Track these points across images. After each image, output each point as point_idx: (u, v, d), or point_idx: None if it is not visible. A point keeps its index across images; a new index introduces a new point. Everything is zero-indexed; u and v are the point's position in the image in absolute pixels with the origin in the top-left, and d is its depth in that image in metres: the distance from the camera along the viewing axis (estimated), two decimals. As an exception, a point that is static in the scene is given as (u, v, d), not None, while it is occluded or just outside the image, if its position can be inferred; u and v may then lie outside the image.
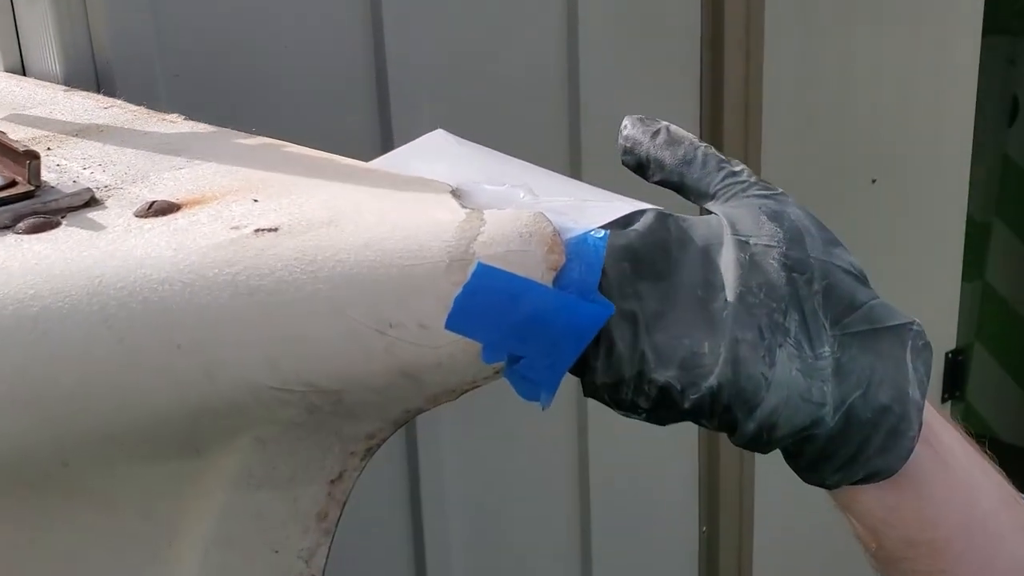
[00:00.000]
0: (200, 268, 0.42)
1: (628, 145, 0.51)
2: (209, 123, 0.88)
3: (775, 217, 0.47)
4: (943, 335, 1.47)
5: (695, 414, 0.44)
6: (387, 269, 0.42)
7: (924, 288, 1.38)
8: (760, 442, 0.45)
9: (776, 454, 0.47)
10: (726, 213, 0.48)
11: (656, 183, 0.51)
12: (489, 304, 0.41)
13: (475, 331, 0.41)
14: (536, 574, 1.18)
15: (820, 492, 0.48)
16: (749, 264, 0.45)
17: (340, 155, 0.54)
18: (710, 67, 1.16)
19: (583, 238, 0.43)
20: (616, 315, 0.43)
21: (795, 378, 0.44)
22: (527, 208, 0.45)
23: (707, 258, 0.46)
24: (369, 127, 0.92)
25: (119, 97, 0.79)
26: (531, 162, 0.52)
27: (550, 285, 0.42)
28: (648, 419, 0.46)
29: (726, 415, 0.44)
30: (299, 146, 0.56)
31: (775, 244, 0.46)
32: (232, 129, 0.62)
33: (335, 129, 0.90)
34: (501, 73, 0.98)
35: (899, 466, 0.46)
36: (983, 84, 1.39)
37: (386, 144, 0.92)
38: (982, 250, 2.01)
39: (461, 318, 0.41)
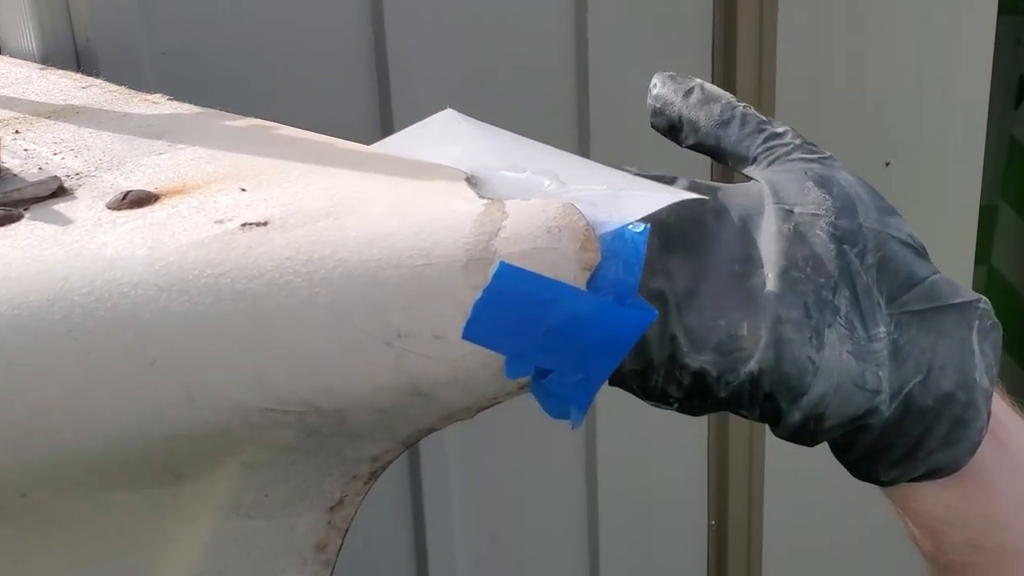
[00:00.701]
0: (179, 270, 0.35)
1: (658, 105, 0.45)
2: (198, 104, 0.82)
3: (823, 183, 0.41)
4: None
5: (733, 403, 0.39)
6: (396, 270, 0.35)
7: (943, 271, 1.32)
8: (806, 433, 0.40)
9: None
10: (768, 179, 0.43)
11: (690, 147, 0.45)
12: (513, 310, 0.35)
13: (497, 341, 0.35)
14: (543, 567, 1.12)
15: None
16: (793, 235, 0.40)
17: (339, 138, 0.48)
18: (722, 48, 1.10)
19: (620, 232, 0.37)
20: (643, 295, 0.37)
21: (846, 362, 0.38)
22: (554, 198, 0.39)
23: (745, 229, 0.41)
24: (368, 106, 0.86)
25: (100, 77, 0.73)
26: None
27: (584, 288, 0.36)
28: (681, 409, 0.40)
29: (768, 404, 0.39)
30: (293, 128, 0.50)
31: (823, 213, 0.40)
32: (220, 110, 0.55)
33: (332, 109, 0.84)
34: (505, 48, 0.92)
35: (964, 461, 0.40)
36: (990, 64, 1.33)
37: (386, 123, 0.85)
38: (988, 233, 1.95)
39: (481, 326, 0.35)
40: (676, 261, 0.39)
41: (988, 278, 2.02)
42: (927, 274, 0.41)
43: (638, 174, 0.43)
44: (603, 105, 0.97)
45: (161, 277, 0.35)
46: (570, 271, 0.36)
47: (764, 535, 1.19)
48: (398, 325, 0.35)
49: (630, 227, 0.37)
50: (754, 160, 0.44)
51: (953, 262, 1.38)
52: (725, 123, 0.44)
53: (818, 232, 0.40)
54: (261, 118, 0.83)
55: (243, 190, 0.41)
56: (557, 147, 0.44)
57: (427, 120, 0.49)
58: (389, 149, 0.47)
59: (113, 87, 0.62)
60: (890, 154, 1.28)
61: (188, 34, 0.78)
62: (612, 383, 0.40)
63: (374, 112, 0.86)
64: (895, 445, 0.40)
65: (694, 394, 0.39)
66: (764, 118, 0.44)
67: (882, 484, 0.42)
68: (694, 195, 0.40)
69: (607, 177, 0.41)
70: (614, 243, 0.37)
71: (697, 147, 0.45)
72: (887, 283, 0.40)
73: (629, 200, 0.38)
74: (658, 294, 0.39)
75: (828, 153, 0.44)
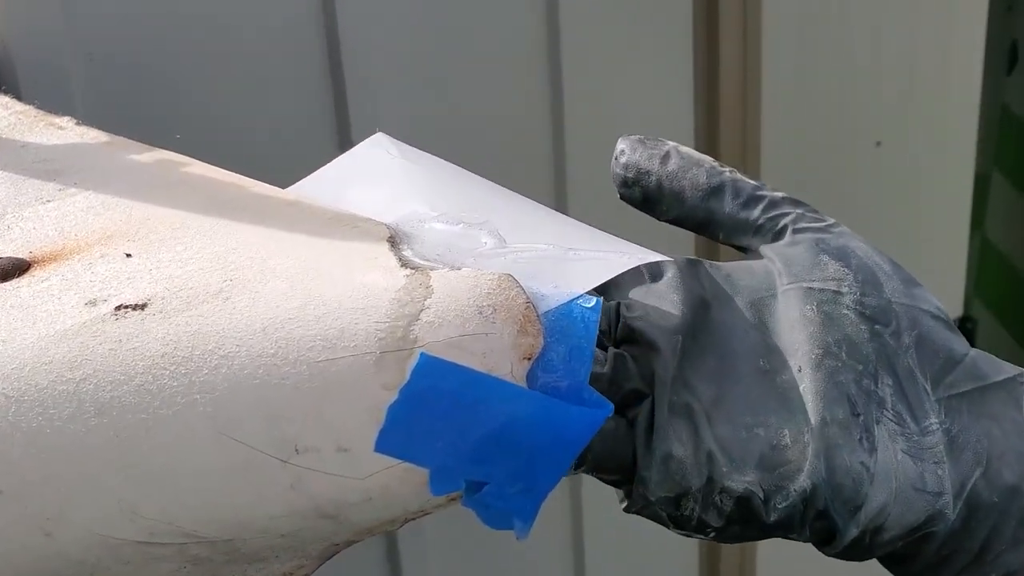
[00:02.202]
0: (31, 373, 0.29)
1: (630, 176, 0.38)
2: (131, 115, 0.74)
3: (839, 255, 0.36)
4: (952, 303, 1.35)
5: (782, 527, 0.33)
6: (292, 368, 0.28)
7: (933, 255, 1.25)
8: (861, 549, 0.34)
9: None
10: (777, 254, 0.36)
11: (670, 221, 0.38)
12: (437, 414, 0.28)
13: (418, 453, 0.28)
14: (528, 572, 1.07)
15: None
16: (819, 317, 0.34)
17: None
18: (704, 24, 1.02)
19: (567, 309, 0.30)
20: (668, 411, 0.32)
21: (903, 463, 0.33)
22: (489, 264, 0.32)
23: (761, 317, 0.35)
24: (322, 116, 0.78)
25: (20, 86, 0.65)
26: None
27: (523, 382, 0.29)
28: (718, 538, 0.34)
29: (821, 522, 0.33)
30: (204, 164, 0.43)
31: (846, 290, 0.35)
32: (133, 137, 0.48)
33: (284, 119, 0.76)
34: (473, 46, 0.84)
35: None
36: (981, 31, 1.26)
37: (343, 134, 0.78)
38: (982, 203, 1.89)
39: (398, 436, 0.28)
40: (691, 364, 0.34)
41: (981, 247, 1.96)
42: (965, 349, 0.36)
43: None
44: (577, 97, 0.90)
45: (11, 383, 0.28)
46: (506, 362, 0.29)
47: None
48: (295, 438, 0.28)
49: (579, 302, 0.30)
50: (757, 231, 0.37)
51: (947, 234, 1.31)
52: (715, 192, 0.37)
53: (845, 312, 0.35)
54: (204, 125, 0.76)
55: (128, 256, 0.34)
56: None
57: (356, 149, 0.42)
58: (312, 190, 0.40)
59: (20, 106, 0.55)
60: (881, 133, 1.21)
61: (119, 35, 0.71)
62: (632, 511, 0.34)
63: (328, 117, 0.79)
64: (961, 551, 0.35)
65: (736, 520, 0.33)
66: (755, 183, 0.38)
67: None
68: (658, 257, 0.33)
69: (553, 229, 0.34)
70: (560, 322, 0.30)
71: (680, 221, 0.38)
72: (929, 365, 0.35)
73: (578, 266, 0.32)
74: (684, 408, 0.33)
75: (832, 219, 0.38)
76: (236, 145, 0.73)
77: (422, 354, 0.28)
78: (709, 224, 0.38)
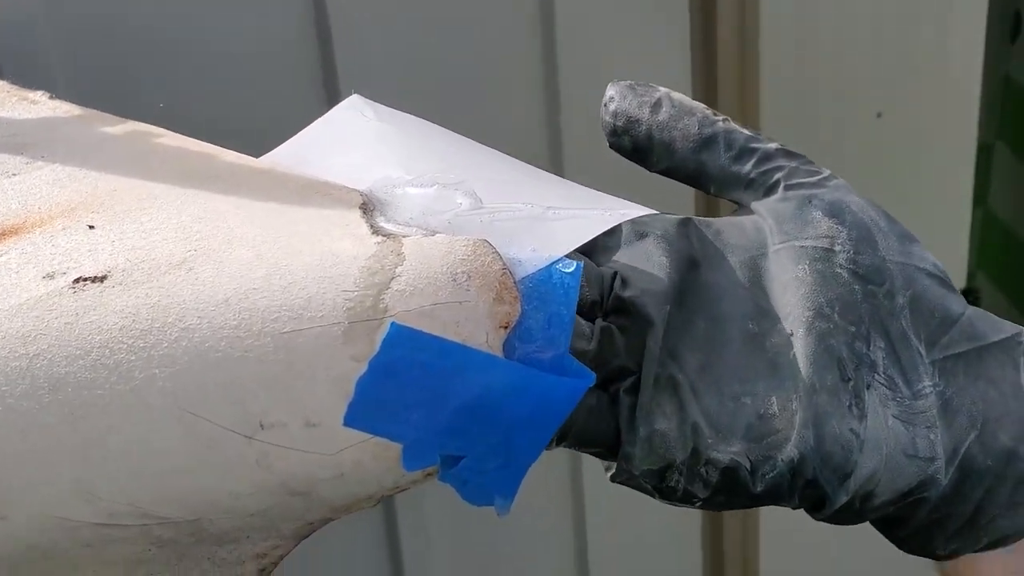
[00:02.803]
0: (-17, 349, 0.27)
1: (619, 124, 0.36)
2: (112, 96, 0.72)
3: (833, 210, 0.34)
4: (955, 275, 1.33)
5: (770, 497, 0.32)
6: (256, 340, 0.27)
7: (935, 227, 1.23)
8: (851, 514, 0.33)
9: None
10: (768, 210, 0.35)
11: (661, 172, 0.36)
12: (409, 386, 0.27)
13: (390, 427, 0.27)
14: (527, 554, 1.05)
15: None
16: (812, 277, 0.33)
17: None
18: (700, -4, 1.00)
19: (546, 274, 0.29)
20: (654, 385, 0.31)
21: (894, 429, 0.32)
22: (465, 229, 0.30)
23: (753, 277, 0.33)
24: (312, 88, 0.76)
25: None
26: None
27: (499, 352, 0.27)
28: (705, 507, 0.33)
29: (810, 491, 0.32)
30: (175, 135, 0.41)
31: (839, 248, 0.33)
32: (107, 109, 0.46)
33: (271, 95, 0.75)
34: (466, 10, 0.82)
35: None
36: (985, -1, 1.24)
37: (330, 91, 0.76)
38: (984, 174, 1.86)
39: (368, 409, 0.27)
40: (679, 330, 0.32)
41: (984, 219, 1.93)
42: (961, 309, 0.34)
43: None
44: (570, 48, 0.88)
45: (-39, 359, 0.27)
46: (481, 331, 0.27)
47: (760, 517, 1.12)
48: (260, 413, 0.26)
49: (558, 266, 0.29)
50: (747, 186, 0.36)
51: (950, 206, 1.29)
52: (706, 144, 0.35)
53: (838, 271, 0.33)
54: (191, 107, 0.74)
55: (91, 227, 0.33)
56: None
57: (331, 113, 0.40)
58: (286, 157, 0.38)
59: (-7, 83, 0.54)
60: (882, 103, 1.19)
61: (98, 11, 0.69)
62: (618, 482, 0.32)
63: (317, 87, 0.77)
64: (953, 515, 0.34)
65: (723, 490, 0.32)
66: (750, 133, 0.36)
67: (939, 559, 0.35)
68: (643, 211, 0.32)
69: (533, 187, 0.33)
70: (538, 288, 0.28)
71: (671, 172, 0.37)
72: (924, 325, 0.33)
73: (558, 226, 0.30)
74: (669, 381, 0.31)
75: (827, 171, 0.36)
76: (223, 122, 0.71)
77: (392, 324, 0.27)
78: (700, 177, 0.36)
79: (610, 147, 0.37)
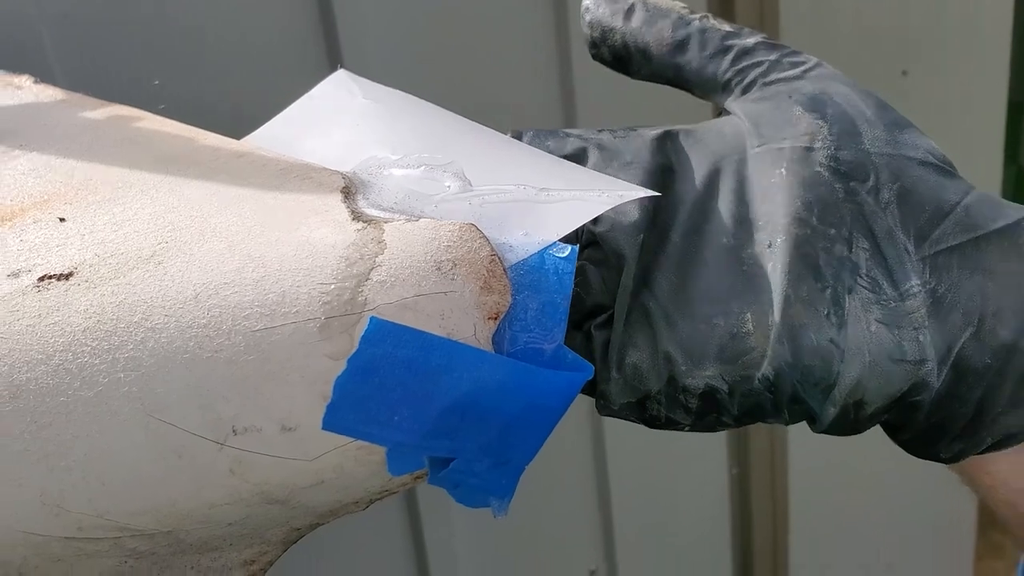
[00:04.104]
0: (-61, 355, 0.26)
1: (595, 34, 0.35)
2: (109, 83, 0.71)
3: (814, 105, 0.32)
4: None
5: (755, 416, 0.31)
6: (227, 339, 0.25)
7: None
8: (847, 424, 0.31)
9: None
10: (746, 111, 0.33)
11: (645, 79, 0.35)
12: (392, 385, 0.25)
13: (371, 430, 0.25)
14: (552, 520, 1.04)
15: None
16: (790, 180, 0.31)
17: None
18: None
19: (538, 260, 0.27)
20: (626, 319, 0.30)
21: (877, 334, 0.30)
22: (453, 213, 0.28)
23: (733, 185, 0.31)
24: (315, 64, 0.74)
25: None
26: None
27: (488, 346, 0.25)
28: (695, 430, 0.31)
29: (796, 406, 0.31)
30: (157, 117, 0.39)
31: (820, 145, 0.31)
32: (95, 94, 0.45)
33: (273, 77, 0.72)
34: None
35: None
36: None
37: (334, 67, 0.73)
38: (1015, 132, 1.81)
39: (348, 411, 0.25)
40: (653, 252, 0.30)
41: (1016, 179, 1.88)
42: (958, 197, 0.31)
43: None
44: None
45: (-82, 366, 0.25)
46: (468, 323, 0.25)
47: (789, 480, 1.10)
48: (231, 418, 0.25)
49: (551, 251, 0.27)
50: (725, 87, 0.34)
51: (980, 166, 1.25)
52: (681, 45, 0.34)
53: (818, 170, 0.31)
54: (188, 86, 0.72)
55: (62, 220, 0.31)
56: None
57: (316, 90, 0.38)
58: (269, 138, 0.36)
59: (-22, 69, 0.52)
60: (908, 61, 1.15)
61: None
62: (605, 414, 0.31)
63: (320, 62, 0.75)
64: (953, 417, 0.31)
65: (705, 414, 0.31)
66: (728, 28, 0.34)
67: (945, 462, 0.33)
68: (642, 191, 0.29)
69: (527, 166, 0.30)
70: (530, 276, 0.26)
71: (654, 79, 0.35)
72: (913, 220, 0.31)
73: (551, 209, 0.28)
74: (641, 312, 0.30)
75: (814, 60, 0.33)
76: (221, 100, 0.69)
77: (372, 318, 0.25)
78: (680, 82, 0.34)
79: (593, 58, 0.35)
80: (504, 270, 0.26)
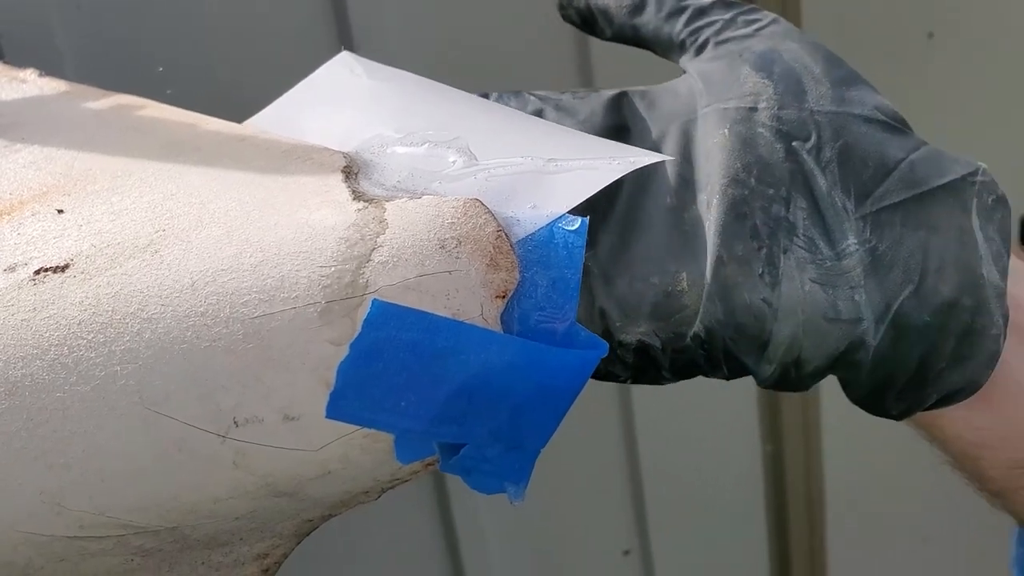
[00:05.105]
0: (-66, 352, 0.25)
1: None
2: (122, 74, 0.70)
3: (762, 64, 0.32)
4: (1017, 200, 1.26)
5: (690, 371, 0.31)
6: (225, 327, 0.24)
7: (993, 153, 1.16)
8: (790, 382, 0.31)
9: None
10: (698, 71, 0.32)
11: (611, 40, 0.35)
12: (396, 370, 0.24)
13: (378, 417, 0.24)
14: (584, 500, 1.03)
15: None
16: (731, 141, 0.30)
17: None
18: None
19: (547, 234, 0.25)
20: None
21: (811, 293, 0.30)
22: (458, 189, 0.27)
23: (681, 145, 0.31)
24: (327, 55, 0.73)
25: (2, 43, 0.61)
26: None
27: (497, 325, 0.24)
28: (636, 383, 0.32)
29: (732, 362, 0.31)
30: (159, 105, 0.38)
31: (764, 105, 0.31)
32: (126, 89, 0.44)
33: (281, 60, 0.71)
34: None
35: (985, 376, 0.31)
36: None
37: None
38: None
39: (352, 399, 0.24)
40: (600, 213, 0.31)
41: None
42: (904, 153, 0.31)
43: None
44: None
45: (-87, 365, 0.25)
46: (475, 303, 0.24)
47: (823, 457, 1.08)
48: (232, 409, 0.24)
49: (561, 224, 0.25)
50: (681, 47, 0.33)
51: (1008, 131, 1.22)
52: (639, 7, 0.34)
53: (760, 130, 0.31)
54: (200, 75, 0.71)
55: (60, 212, 0.30)
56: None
57: (319, 71, 0.37)
58: (272, 120, 0.35)
59: (-17, 64, 0.51)
60: (933, 22, 1.12)
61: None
62: None
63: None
64: (896, 374, 0.31)
65: (642, 370, 0.31)
66: None
67: (895, 419, 0.33)
68: (656, 156, 0.28)
69: (535, 138, 0.29)
70: (539, 250, 0.25)
71: (617, 40, 0.35)
72: (854, 178, 0.31)
73: (560, 180, 0.26)
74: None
75: (769, 17, 0.33)
76: (231, 86, 0.68)
77: (374, 301, 0.24)
78: (640, 42, 0.34)
79: (563, 20, 0.36)
80: (511, 246, 0.25)
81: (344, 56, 0.36)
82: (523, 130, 0.30)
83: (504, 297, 0.24)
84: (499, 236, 0.25)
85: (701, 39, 0.33)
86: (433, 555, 0.90)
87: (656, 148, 0.31)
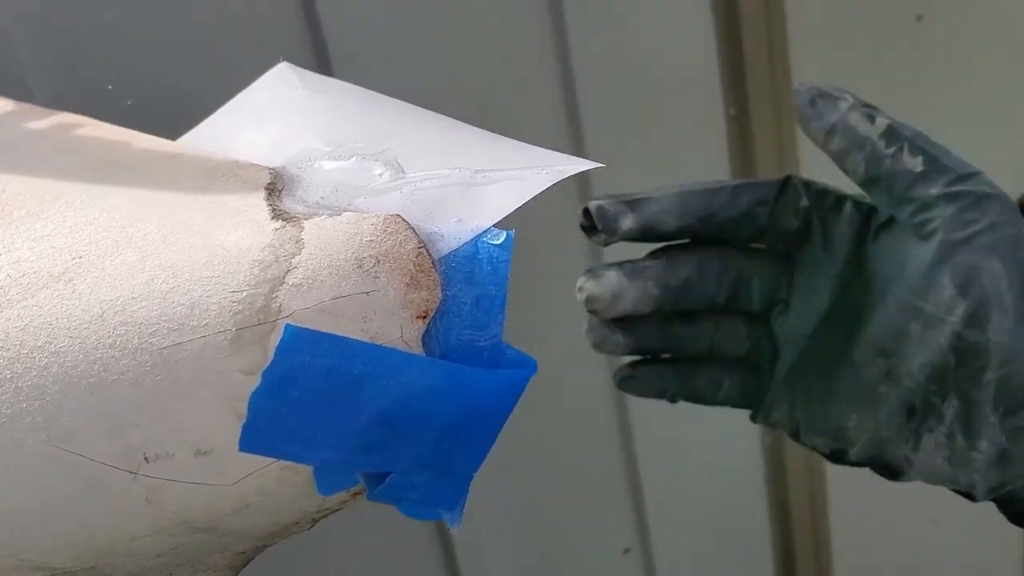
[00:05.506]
0: None
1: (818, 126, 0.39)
2: (89, 84, 0.69)
3: (962, 278, 0.35)
4: (1009, 187, 1.24)
5: (855, 465, 0.41)
6: (131, 360, 0.23)
7: (984, 139, 1.14)
8: None
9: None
10: (911, 253, 0.37)
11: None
12: (312, 398, 0.23)
13: (294, 448, 0.23)
14: (582, 500, 1.02)
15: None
16: (915, 336, 0.37)
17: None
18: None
19: (472, 249, 0.24)
20: (783, 380, 0.41)
21: (939, 466, 0.38)
22: (382, 204, 0.26)
23: (900, 313, 0.37)
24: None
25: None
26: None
27: (418, 348, 0.23)
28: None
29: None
30: (98, 123, 0.37)
31: (951, 320, 0.36)
32: (39, 105, 0.43)
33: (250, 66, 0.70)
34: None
35: None
36: None
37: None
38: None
39: (266, 430, 0.23)
40: (818, 346, 0.40)
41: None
42: None
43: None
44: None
45: None
46: (394, 325, 0.23)
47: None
48: (142, 444, 0.23)
49: (486, 239, 0.24)
50: (905, 228, 0.37)
51: (1000, 116, 1.20)
52: (874, 181, 0.38)
53: (941, 340, 0.36)
54: (165, 93, 0.70)
55: (-18, 240, 0.29)
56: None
57: (256, 83, 0.36)
58: (205, 136, 0.34)
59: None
60: (922, 5, 1.10)
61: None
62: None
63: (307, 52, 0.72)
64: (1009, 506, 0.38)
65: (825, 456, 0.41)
66: (912, 168, 0.37)
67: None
68: (590, 164, 0.27)
69: (467, 148, 0.28)
70: (463, 267, 0.24)
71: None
72: (1007, 399, 0.36)
73: (487, 191, 0.25)
74: (788, 384, 0.40)
75: (987, 220, 0.35)
76: (202, 99, 0.67)
77: (286, 326, 0.22)
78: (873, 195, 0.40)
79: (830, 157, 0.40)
80: (433, 263, 0.24)
81: (282, 67, 0.35)
82: (455, 140, 0.29)
83: (425, 317, 0.23)
84: (420, 253, 0.23)
85: (927, 230, 0.36)
86: (430, 552, 0.89)
87: (891, 313, 0.38)
